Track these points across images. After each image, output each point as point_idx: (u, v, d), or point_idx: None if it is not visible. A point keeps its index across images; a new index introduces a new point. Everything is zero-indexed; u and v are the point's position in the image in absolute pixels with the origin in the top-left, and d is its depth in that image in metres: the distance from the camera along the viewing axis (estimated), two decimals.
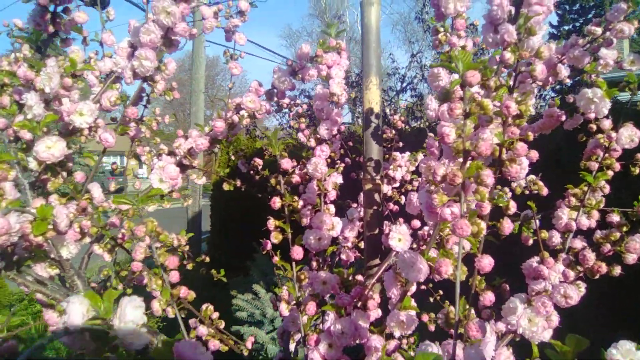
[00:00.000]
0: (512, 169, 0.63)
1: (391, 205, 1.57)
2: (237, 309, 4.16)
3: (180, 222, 9.02)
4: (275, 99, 1.09)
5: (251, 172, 1.69)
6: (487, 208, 0.55)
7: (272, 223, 0.80)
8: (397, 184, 1.59)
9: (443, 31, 0.88)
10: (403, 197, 1.59)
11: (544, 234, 0.91)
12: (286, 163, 0.80)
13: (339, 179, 1.18)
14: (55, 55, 1.08)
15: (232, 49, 1.50)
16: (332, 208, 1.17)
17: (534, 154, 0.80)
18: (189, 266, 1.05)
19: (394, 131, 1.74)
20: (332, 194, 1.17)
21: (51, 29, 0.87)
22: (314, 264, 1.15)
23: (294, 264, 1.04)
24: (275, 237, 0.80)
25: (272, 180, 0.82)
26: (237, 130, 1.17)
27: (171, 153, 1.12)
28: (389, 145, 1.69)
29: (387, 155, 1.69)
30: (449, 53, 0.90)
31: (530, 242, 0.92)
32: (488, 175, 0.53)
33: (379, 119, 1.23)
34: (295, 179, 0.82)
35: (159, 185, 1.07)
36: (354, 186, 1.49)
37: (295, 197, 0.86)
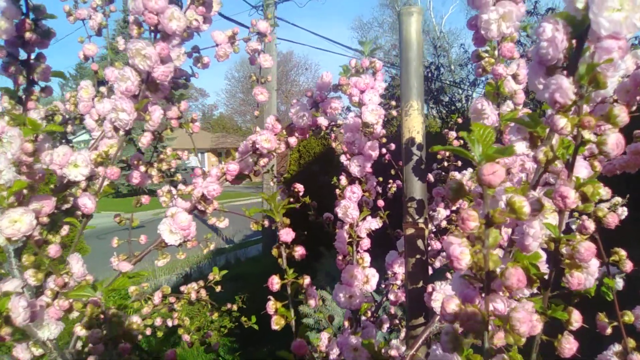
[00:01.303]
0: (573, 279, 0.43)
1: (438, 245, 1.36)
2: (304, 315, 4.10)
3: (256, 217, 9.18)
4: (297, 135, 0.94)
5: (291, 198, 1.56)
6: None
7: (271, 306, 0.66)
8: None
9: (487, 56, 0.67)
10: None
11: (629, 316, 0.69)
12: (286, 234, 0.65)
13: (373, 223, 1.01)
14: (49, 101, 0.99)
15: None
16: (366, 258, 1.01)
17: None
18: None
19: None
20: (366, 242, 1.00)
21: (22, 80, 0.79)
22: (346, 323, 0.99)
23: None
24: (277, 324, 0.65)
25: (274, 251, 0.68)
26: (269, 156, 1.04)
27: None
28: (444, 165, 1.48)
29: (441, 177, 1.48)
30: (496, 83, 0.70)
31: (609, 330, 0.69)
32: (522, 321, 0.34)
33: (422, 151, 1.03)
34: (299, 252, 0.67)
35: (169, 237, 0.96)
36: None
37: (304, 276, 0.70)
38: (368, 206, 1.54)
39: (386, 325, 1.30)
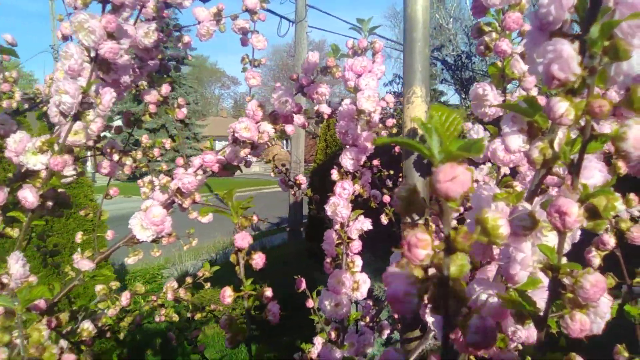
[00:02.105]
0: (574, 324, 0.32)
1: None
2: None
3: (283, 205, 9.13)
4: (281, 124, 0.84)
5: (292, 188, 1.47)
6: None
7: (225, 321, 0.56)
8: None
9: (490, 30, 0.55)
10: None
11: None
12: (241, 240, 0.55)
13: (366, 224, 0.90)
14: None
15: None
16: (357, 261, 0.90)
17: None
18: None
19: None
20: (357, 245, 0.90)
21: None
22: (333, 334, 0.89)
23: None
24: (232, 340, 0.56)
25: (232, 257, 0.58)
26: (262, 148, 0.94)
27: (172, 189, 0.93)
28: None
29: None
30: (501, 62, 0.57)
31: None
32: None
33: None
34: (257, 261, 0.57)
35: (140, 233, 0.88)
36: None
37: (264, 287, 0.60)
38: (376, 200, 1.43)
39: (387, 332, 1.20)
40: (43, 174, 0.77)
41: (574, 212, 0.29)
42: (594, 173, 0.35)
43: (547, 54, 0.28)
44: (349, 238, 0.89)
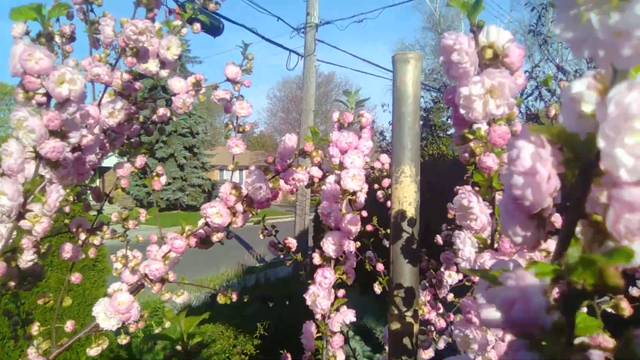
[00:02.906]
0: None
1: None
2: None
3: (289, 234, 9.00)
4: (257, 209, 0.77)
5: (282, 251, 1.40)
6: None
7: None
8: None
9: (474, 138, 0.49)
10: None
11: None
12: None
13: (349, 316, 0.82)
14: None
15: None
16: (340, 356, 0.82)
17: None
18: None
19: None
20: (339, 340, 0.82)
21: None
22: None
23: None
24: None
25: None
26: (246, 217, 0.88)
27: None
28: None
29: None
30: (488, 175, 0.51)
31: None
32: None
33: (415, 227, 0.85)
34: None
35: (104, 322, 0.81)
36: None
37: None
38: (372, 262, 1.36)
39: None
40: None
41: None
42: None
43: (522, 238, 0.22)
44: (330, 332, 0.81)
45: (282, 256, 1.34)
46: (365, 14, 8.69)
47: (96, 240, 0.86)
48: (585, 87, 0.25)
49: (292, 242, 1.35)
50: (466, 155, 0.50)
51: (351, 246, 1.13)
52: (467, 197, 0.52)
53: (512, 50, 0.45)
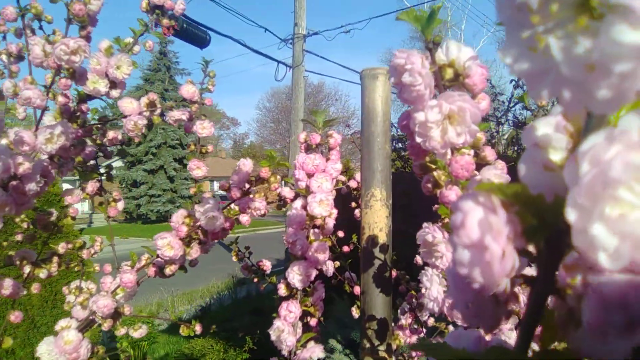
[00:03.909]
0: None
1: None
2: None
3: (280, 244, 8.86)
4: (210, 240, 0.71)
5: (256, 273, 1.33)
6: None
7: None
8: None
9: (436, 168, 0.43)
10: None
11: None
12: None
13: (316, 352, 0.76)
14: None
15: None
16: None
17: None
18: None
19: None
20: None
21: None
22: None
23: None
24: None
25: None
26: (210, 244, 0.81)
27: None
28: None
29: None
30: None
31: None
32: None
33: (387, 254, 0.79)
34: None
35: None
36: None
37: None
38: (351, 283, 1.29)
39: None
40: None
41: None
42: None
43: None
44: None
45: (255, 279, 1.27)
46: (352, 25, 8.72)
47: (42, 274, 0.79)
48: (553, 128, 0.19)
49: (267, 265, 1.29)
50: (429, 185, 0.45)
51: (330, 266, 1.07)
52: (432, 233, 0.46)
53: (473, 70, 0.39)
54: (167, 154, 17.12)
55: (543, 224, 0.17)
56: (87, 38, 0.61)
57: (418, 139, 0.39)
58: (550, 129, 0.18)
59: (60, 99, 0.67)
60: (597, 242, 0.14)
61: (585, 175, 0.14)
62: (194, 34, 6.77)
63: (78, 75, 0.61)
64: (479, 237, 0.17)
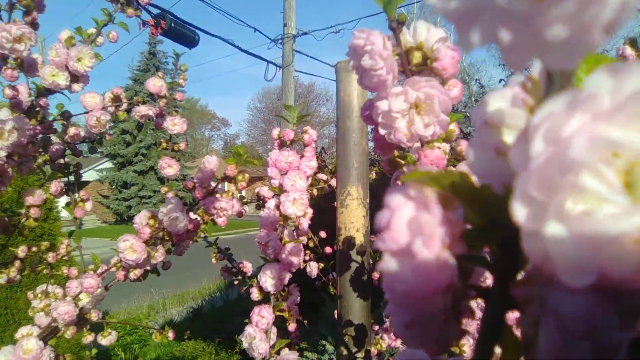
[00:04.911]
0: None
1: None
2: None
3: None
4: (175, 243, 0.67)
5: (236, 276, 1.29)
6: None
7: None
8: None
9: (406, 163, 0.40)
10: None
11: None
12: None
13: (291, 359, 0.72)
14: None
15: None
16: None
17: None
18: None
19: None
20: None
21: None
22: None
23: None
24: None
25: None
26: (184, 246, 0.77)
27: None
28: None
29: None
30: None
31: None
32: None
33: (365, 256, 0.75)
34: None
35: None
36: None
37: None
38: (335, 286, 1.26)
39: None
40: None
41: None
42: None
43: None
44: None
45: (235, 282, 1.23)
46: (342, 24, 8.69)
47: (1, 279, 0.74)
48: (509, 102, 0.15)
49: (247, 267, 1.25)
50: (399, 183, 0.41)
51: (313, 268, 1.03)
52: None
53: (443, 52, 0.36)
54: (157, 155, 16.99)
55: (491, 224, 0.13)
56: (33, 25, 0.57)
57: (382, 131, 0.35)
58: (505, 103, 0.14)
59: (7, 91, 0.62)
60: (553, 249, 0.10)
61: (537, 156, 0.10)
62: (183, 33, 6.71)
63: (27, 65, 0.57)
64: (407, 242, 0.13)
